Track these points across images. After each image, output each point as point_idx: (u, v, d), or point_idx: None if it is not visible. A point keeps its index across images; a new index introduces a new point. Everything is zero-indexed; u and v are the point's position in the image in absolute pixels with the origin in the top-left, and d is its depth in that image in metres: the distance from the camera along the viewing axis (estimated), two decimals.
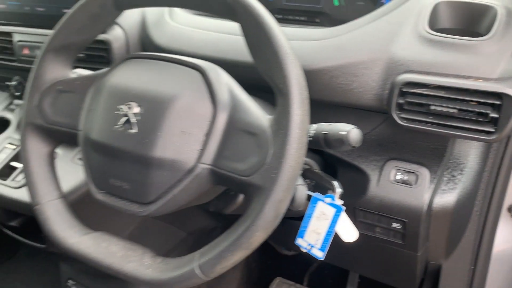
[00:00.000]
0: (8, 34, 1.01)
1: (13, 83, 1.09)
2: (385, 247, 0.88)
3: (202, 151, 0.56)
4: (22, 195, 0.96)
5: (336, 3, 0.97)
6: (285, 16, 1.02)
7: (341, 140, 0.60)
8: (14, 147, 1.06)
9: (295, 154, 0.51)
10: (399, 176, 0.78)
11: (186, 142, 0.56)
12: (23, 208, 0.96)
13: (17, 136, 1.09)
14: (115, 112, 0.59)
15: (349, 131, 0.60)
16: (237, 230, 0.53)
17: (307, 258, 1.65)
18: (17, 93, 1.10)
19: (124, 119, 0.58)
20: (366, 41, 0.74)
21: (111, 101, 0.60)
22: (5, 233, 1.78)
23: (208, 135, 0.56)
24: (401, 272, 0.98)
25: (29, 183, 0.68)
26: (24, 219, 1.15)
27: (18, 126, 1.12)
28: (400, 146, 0.79)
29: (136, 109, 0.58)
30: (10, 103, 1.18)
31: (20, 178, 0.99)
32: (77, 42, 0.68)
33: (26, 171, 0.68)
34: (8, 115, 1.15)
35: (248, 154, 0.54)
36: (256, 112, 0.56)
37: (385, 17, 0.77)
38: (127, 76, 0.62)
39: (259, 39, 0.55)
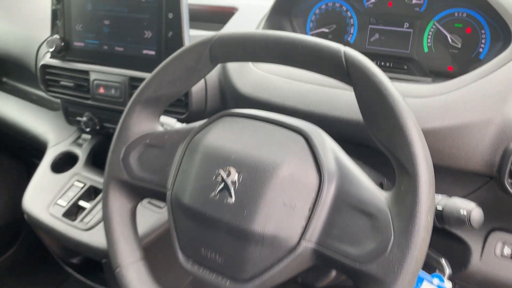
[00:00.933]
0: (85, 72, 1.00)
1: (84, 119, 1.08)
2: None
3: (307, 227, 0.51)
4: (90, 238, 0.93)
5: (426, 49, 0.91)
6: None
7: (461, 220, 0.53)
8: (82, 185, 1.05)
9: (422, 244, 0.45)
10: (506, 250, 0.69)
11: (289, 216, 0.51)
12: (92, 253, 0.93)
13: (85, 173, 1.08)
14: (212, 177, 0.55)
15: (472, 210, 0.53)
16: None
17: None
18: (87, 129, 1.09)
19: (221, 186, 0.54)
20: (476, 100, 0.67)
21: (207, 164, 0.56)
22: (56, 261, 1.78)
23: (313, 209, 0.51)
24: None
25: (110, 243, 0.64)
26: (85, 257, 1.13)
27: (86, 162, 1.11)
28: (506, 215, 0.71)
29: (235, 176, 0.54)
30: (79, 137, 1.18)
31: (89, 220, 0.97)
32: (168, 95, 0.65)
33: (107, 228, 0.65)
34: (76, 150, 1.14)
35: (362, 238, 0.48)
36: (369, 187, 0.50)
37: (494, 74, 0.70)
38: (225, 137, 0.58)
39: (378, 108, 0.49)
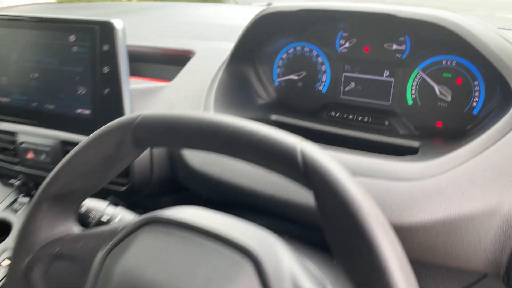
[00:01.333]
0: (11, 133, 0.85)
1: (17, 182, 0.93)
2: None
3: None
4: None
5: (410, 102, 0.78)
6: (343, 114, 0.83)
7: None
8: None
9: None
10: None
11: None
12: None
13: None
14: None
15: None
16: None
17: None
18: (21, 194, 0.93)
19: None
20: (476, 183, 0.54)
21: None
22: None
23: None
24: None
25: None
26: None
27: None
28: None
29: None
30: (15, 200, 1.01)
31: None
32: (83, 189, 0.50)
33: None
34: (11, 217, 0.98)
35: None
36: None
37: (495, 146, 0.57)
38: (146, 260, 0.43)
39: (348, 236, 0.35)
